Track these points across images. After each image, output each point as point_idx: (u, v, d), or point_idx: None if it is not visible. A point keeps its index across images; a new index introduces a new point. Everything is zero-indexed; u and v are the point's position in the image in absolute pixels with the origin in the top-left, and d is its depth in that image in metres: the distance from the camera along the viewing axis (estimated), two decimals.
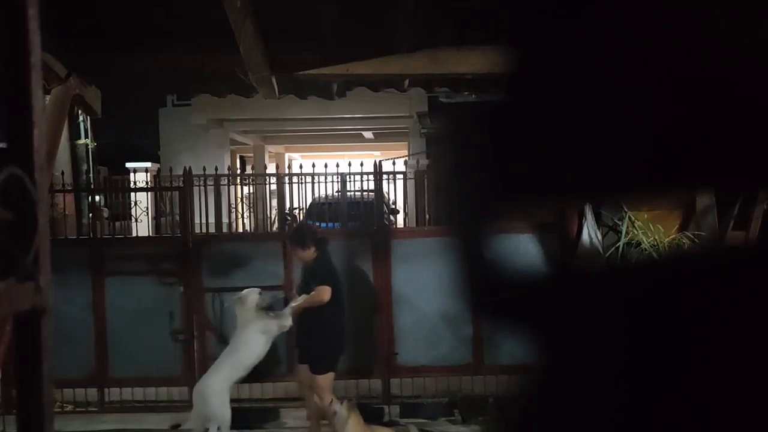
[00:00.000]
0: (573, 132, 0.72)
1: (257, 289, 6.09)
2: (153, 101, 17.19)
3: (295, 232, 6.34)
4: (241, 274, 6.98)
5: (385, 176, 7.87)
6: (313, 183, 8.38)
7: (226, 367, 5.82)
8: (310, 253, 5.87)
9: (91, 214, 8.43)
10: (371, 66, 6.24)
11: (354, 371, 7.00)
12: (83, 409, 7.09)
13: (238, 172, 18.88)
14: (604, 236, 7.25)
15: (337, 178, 7.88)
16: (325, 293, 5.71)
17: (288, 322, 5.88)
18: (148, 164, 15.71)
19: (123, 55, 6.29)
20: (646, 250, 7.01)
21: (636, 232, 7.14)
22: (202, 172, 7.95)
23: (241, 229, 11.70)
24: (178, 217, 7.88)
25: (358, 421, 5.72)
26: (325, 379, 5.74)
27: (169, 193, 10.67)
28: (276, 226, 11.59)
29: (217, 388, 5.76)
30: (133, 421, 6.93)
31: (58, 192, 7.81)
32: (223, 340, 7.05)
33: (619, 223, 7.31)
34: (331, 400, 5.77)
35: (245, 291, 6.07)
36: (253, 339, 5.82)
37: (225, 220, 8.63)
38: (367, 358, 7.12)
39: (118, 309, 7.09)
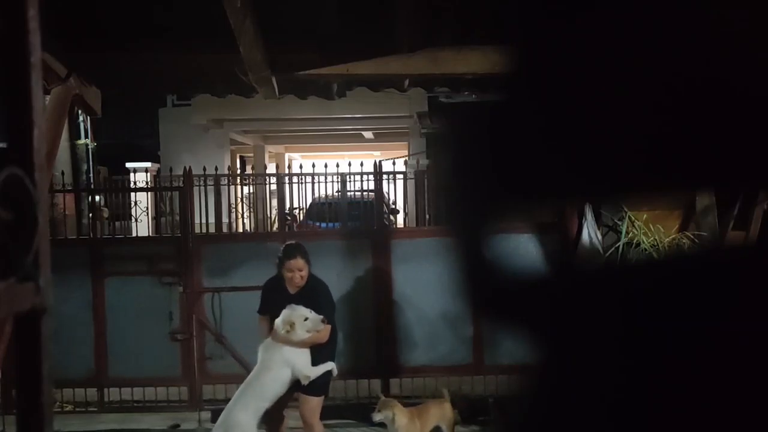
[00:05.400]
0: (573, 132, 0.72)
1: (304, 310, 5.17)
2: (153, 101, 17.21)
3: (299, 244, 5.45)
4: (241, 274, 6.98)
5: (385, 176, 7.88)
6: (313, 183, 8.39)
7: (251, 398, 5.17)
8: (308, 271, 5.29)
9: (91, 214, 8.43)
10: (371, 66, 6.23)
11: (354, 371, 7.00)
12: (83, 409, 7.09)
13: (238, 172, 18.88)
14: (604, 236, 7.25)
15: (337, 178, 7.88)
16: (326, 334, 5.19)
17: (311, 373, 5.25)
18: (148, 164, 15.76)
19: (123, 55, 6.28)
20: (646, 250, 7.01)
21: (636, 232, 7.14)
22: (202, 172, 7.96)
23: (241, 229, 11.71)
24: (178, 217, 7.87)
25: (402, 412, 5.49)
26: (318, 402, 5.36)
27: (169, 193, 10.68)
28: (276, 226, 11.60)
29: (244, 423, 5.12)
30: (132, 421, 6.93)
31: (58, 192, 7.82)
32: (222, 341, 7.06)
33: (619, 223, 7.31)
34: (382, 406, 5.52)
35: (292, 313, 5.16)
36: (279, 377, 5.19)
37: (225, 220, 8.64)
38: (367, 358, 7.12)
39: (118, 309, 7.09)
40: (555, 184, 0.74)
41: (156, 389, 7.14)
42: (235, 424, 5.11)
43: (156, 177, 14.50)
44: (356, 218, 9.14)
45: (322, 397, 5.42)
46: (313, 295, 5.27)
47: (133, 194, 11.52)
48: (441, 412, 5.82)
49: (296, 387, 5.33)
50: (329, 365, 5.32)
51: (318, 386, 5.31)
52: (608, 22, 0.71)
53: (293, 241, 5.56)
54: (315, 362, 5.26)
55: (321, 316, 5.16)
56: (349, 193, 8.08)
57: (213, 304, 7.09)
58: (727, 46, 0.67)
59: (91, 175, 10.50)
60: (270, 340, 5.25)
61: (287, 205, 8.72)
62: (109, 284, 7.13)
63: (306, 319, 5.13)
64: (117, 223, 10.36)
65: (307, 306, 5.19)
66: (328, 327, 5.22)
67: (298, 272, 5.22)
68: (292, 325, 5.11)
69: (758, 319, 0.65)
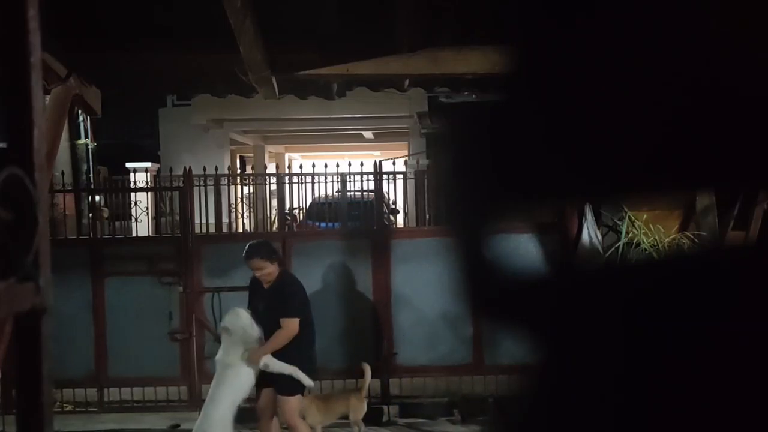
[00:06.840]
0: (573, 132, 0.72)
1: (243, 311, 5.41)
2: (153, 101, 17.20)
3: (259, 243, 5.57)
4: (241, 274, 6.97)
5: (385, 176, 7.87)
6: (313, 183, 8.39)
7: (226, 393, 5.31)
8: (274, 269, 5.40)
9: (91, 214, 8.43)
10: (371, 66, 6.24)
11: (353, 371, 7.00)
12: (83, 409, 7.09)
13: (238, 172, 18.87)
14: (604, 236, 7.25)
15: (337, 178, 7.88)
16: (293, 327, 5.26)
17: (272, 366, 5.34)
18: (148, 164, 15.76)
19: (123, 55, 6.28)
20: (646, 250, 7.01)
21: (636, 232, 7.14)
22: (202, 172, 7.96)
23: (241, 229, 11.71)
24: (178, 217, 7.87)
25: (307, 398, 5.66)
26: (295, 402, 5.42)
27: (169, 193, 10.68)
28: (276, 226, 11.60)
29: (221, 418, 5.24)
30: (132, 420, 6.94)
31: (58, 192, 7.81)
32: (221, 340, 7.05)
33: (619, 223, 7.31)
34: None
35: (234, 317, 5.39)
36: (243, 372, 5.32)
37: (225, 220, 8.64)
38: (366, 358, 7.11)
39: (118, 309, 7.09)
40: (555, 184, 0.74)
41: (155, 389, 7.14)
42: (213, 422, 5.24)
43: (156, 177, 14.50)
44: (356, 218, 9.14)
45: (299, 396, 5.47)
46: (280, 290, 5.38)
47: (133, 194, 11.52)
48: (347, 404, 6.06)
49: (271, 385, 5.41)
50: (290, 368, 5.30)
51: (291, 386, 5.37)
52: (608, 22, 0.71)
53: (254, 241, 5.66)
54: (288, 359, 5.32)
55: (257, 335, 5.30)
56: (349, 193, 8.08)
57: (213, 304, 7.09)
58: (726, 45, 0.67)
59: (91, 175, 10.48)
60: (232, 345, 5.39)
61: (287, 205, 8.72)
62: (109, 284, 7.13)
63: (245, 332, 5.30)
64: (117, 223, 10.36)
65: (273, 299, 5.33)
66: (295, 320, 5.29)
67: (258, 271, 5.39)
68: (226, 330, 5.33)
69: (758, 319, 0.65)
